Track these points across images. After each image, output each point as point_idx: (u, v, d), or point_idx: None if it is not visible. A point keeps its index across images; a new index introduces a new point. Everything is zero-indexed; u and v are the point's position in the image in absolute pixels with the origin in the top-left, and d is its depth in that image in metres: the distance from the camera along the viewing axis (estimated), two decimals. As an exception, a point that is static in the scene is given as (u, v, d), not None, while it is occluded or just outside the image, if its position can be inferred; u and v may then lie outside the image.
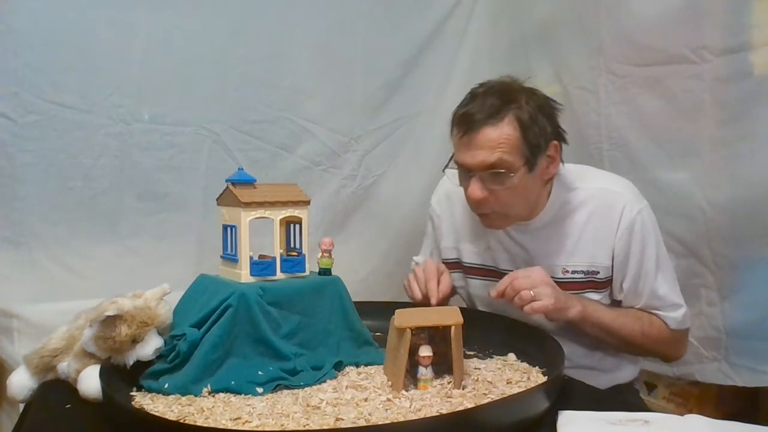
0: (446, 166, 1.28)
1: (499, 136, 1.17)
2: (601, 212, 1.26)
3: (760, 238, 1.38)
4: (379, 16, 1.86)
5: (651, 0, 1.51)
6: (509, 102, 1.18)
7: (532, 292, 1.13)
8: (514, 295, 1.14)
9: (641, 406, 1.24)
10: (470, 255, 1.39)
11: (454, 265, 1.42)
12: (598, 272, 1.27)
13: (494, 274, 1.35)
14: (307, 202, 1.14)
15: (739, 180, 1.39)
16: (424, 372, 0.99)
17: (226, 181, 1.11)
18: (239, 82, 1.68)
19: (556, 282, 1.24)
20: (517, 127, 1.17)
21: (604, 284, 1.28)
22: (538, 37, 1.86)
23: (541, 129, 1.19)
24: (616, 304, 1.30)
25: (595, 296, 1.28)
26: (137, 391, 0.99)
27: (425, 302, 1.25)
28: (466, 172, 1.22)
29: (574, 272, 1.27)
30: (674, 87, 1.49)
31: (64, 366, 1.04)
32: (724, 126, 1.41)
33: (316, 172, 1.82)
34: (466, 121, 1.19)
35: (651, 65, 1.53)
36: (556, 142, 1.23)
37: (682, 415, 0.94)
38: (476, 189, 1.20)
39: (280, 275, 1.10)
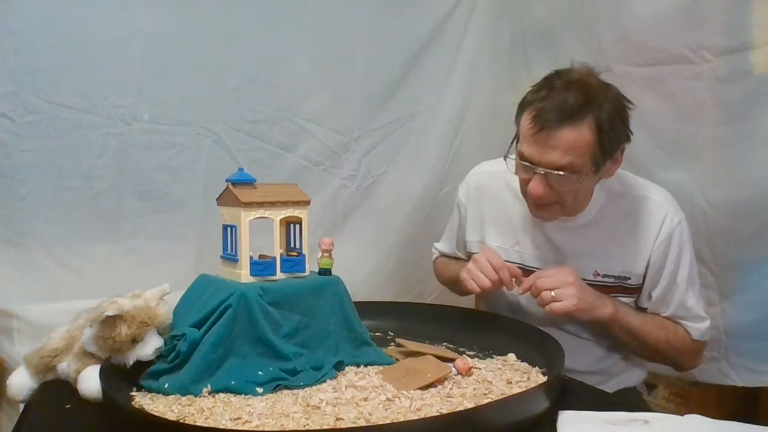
0: (507, 155, 1.23)
1: (577, 140, 1.12)
2: (642, 220, 1.25)
3: (760, 238, 1.38)
4: (379, 16, 1.85)
5: (651, 0, 1.51)
6: (590, 102, 1.13)
7: (553, 293, 1.13)
8: (535, 295, 1.16)
9: (641, 406, 1.24)
10: (496, 251, 1.36)
11: None
12: (630, 278, 1.26)
13: (520, 270, 1.34)
14: (307, 202, 1.14)
15: (739, 180, 1.39)
16: None
17: (226, 181, 1.11)
18: (239, 82, 1.67)
19: (586, 282, 1.23)
20: (595, 132, 1.13)
21: (633, 290, 1.28)
22: (538, 37, 1.86)
23: (616, 135, 1.17)
24: (640, 309, 1.30)
25: (622, 298, 1.27)
26: (137, 391, 0.99)
27: (491, 290, 1.23)
28: (531, 167, 1.18)
29: (605, 276, 1.27)
30: (674, 87, 1.49)
31: (64, 366, 1.04)
32: (724, 126, 1.41)
33: (316, 172, 1.82)
34: (544, 117, 1.13)
35: (651, 65, 1.53)
36: (624, 145, 1.21)
37: (682, 415, 0.94)
38: (539, 186, 1.17)
39: (280, 275, 1.10)
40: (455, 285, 1.43)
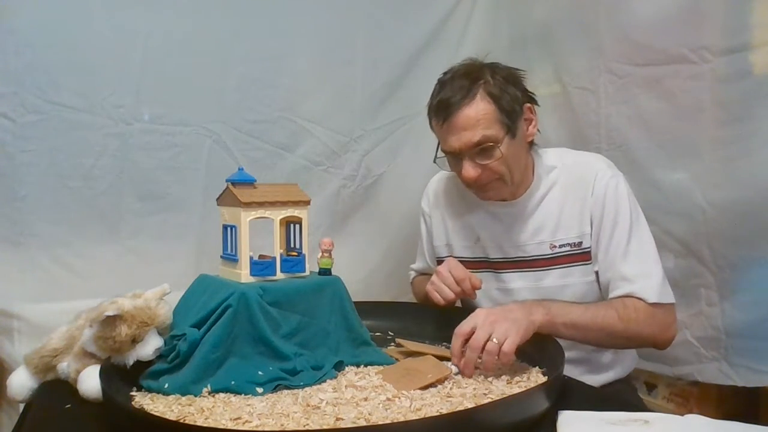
0: (435, 158, 1.34)
1: (477, 113, 1.23)
2: (576, 183, 1.30)
3: (760, 238, 1.38)
4: (379, 16, 1.85)
5: (651, 0, 1.51)
6: (476, 80, 1.25)
7: (494, 339, 1.02)
8: (477, 355, 1.02)
9: (641, 406, 1.24)
10: (461, 250, 1.42)
11: None
12: (582, 242, 1.29)
13: (486, 264, 1.39)
14: (307, 202, 1.14)
15: (739, 180, 1.39)
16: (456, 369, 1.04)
17: (226, 181, 1.11)
18: (239, 82, 1.67)
19: (544, 260, 1.30)
20: (490, 101, 1.24)
21: (589, 255, 1.29)
22: (538, 37, 1.86)
23: (512, 96, 1.26)
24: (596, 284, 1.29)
25: (582, 269, 1.29)
26: (137, 391, 0.99)
27: (453, 302, 1.28)
28: (456, 156, 1.27)
29: (561, 246, 1.30)
30: (674, 87, 1.49)
31: (64, 366, 1.04)
32: (724, 126, 1.41)
33: (316, 172, 1.82)
34: (443, 108, 1.25)
35: (651, 65, 1.53)
36: (529, 104, 1.30)
37: (682, 415, 0.94)
38: (469, 169, 1.25)
39: (280, 275, 1.10)
40: (429, 300, 1.43)
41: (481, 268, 1.39)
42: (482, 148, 1.23)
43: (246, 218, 1.06)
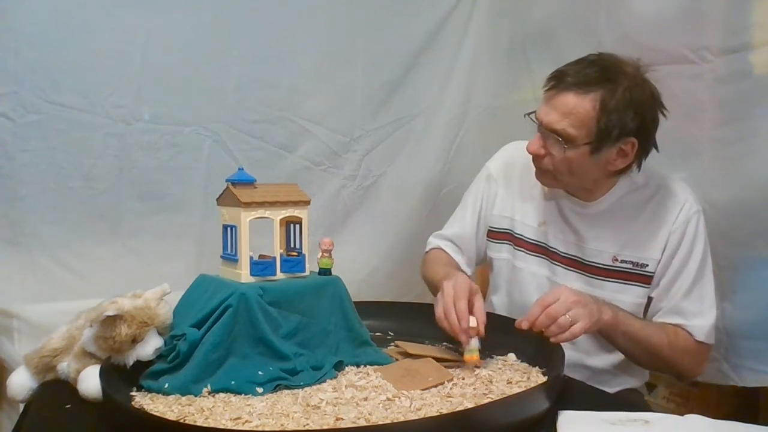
0: (528, 113, 1.28)
1: (575, 108, 1.17)
2: (662, 206, 1.27)
3: (760, 238, 1.37)
4: (379, 16, 1.86)
5: (651, 0, 1.51)
6: (606, 79, 1.17)
7: (568, 315, 1.07)
8: (549, 323, 1.07)
9: (641, 406, 1.24)
10: (523, 228, 1.39)
11: (504, 235, 1.42)
12: (647, 265, 1.27)
13: (543, 251, 1.36)
14: (307, 202, 1.14)
15: (739, 180, 1.39)
16: (473, 342, 1.04)
17: (226, 181, 1.11)
18: (239, 82, 1.68)
19: (602, 269, 1.28)
20: (596, 108, 1.16)
21: (649, 279, 1.27)
22: (538, 37, 1.86)
23: (620, 120, 1.17)
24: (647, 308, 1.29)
25: (639, 290, 1.27)
26: (137, 391, 0.99)
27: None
28: (537, 125, 1.25)
29: (623, 261, 1.28)
30: (674, 87, 1.48)
31: (64, 366, 1.04)
32: (724, 126, 1.40)
33: (316, 172, 1.82)
34: (558, 78, 1.21)
35: (651, 65, 1.53)
36: (634, 140, 1.20)
37: (682, 415, 0.94)
38: (535, 143, 1.24)
39: (280, 275, 1.10)
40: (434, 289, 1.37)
41: (537, 252, 1.37)
42: (555, 138, 1.20)
43: (246, 218, 1.06)
